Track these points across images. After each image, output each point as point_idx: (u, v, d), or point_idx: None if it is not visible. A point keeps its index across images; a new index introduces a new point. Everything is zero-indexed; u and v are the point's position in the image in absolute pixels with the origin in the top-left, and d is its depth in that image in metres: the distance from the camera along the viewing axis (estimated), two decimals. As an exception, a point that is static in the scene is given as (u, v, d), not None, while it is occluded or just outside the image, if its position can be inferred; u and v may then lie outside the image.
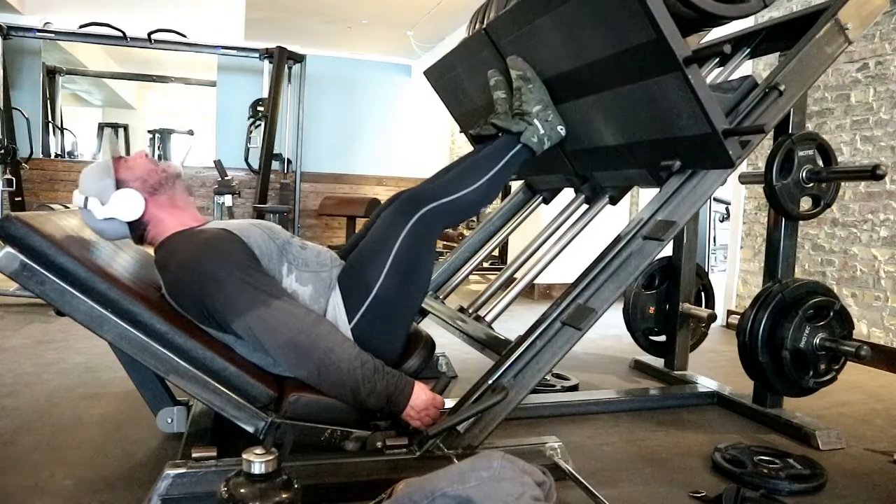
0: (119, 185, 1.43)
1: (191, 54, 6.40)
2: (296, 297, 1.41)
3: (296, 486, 1.00)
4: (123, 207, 1.42)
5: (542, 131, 1.66)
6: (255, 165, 6.14)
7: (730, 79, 1.78)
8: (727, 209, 5.64)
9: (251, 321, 1.29)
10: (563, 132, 1.70)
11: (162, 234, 1.47)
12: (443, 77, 2.23)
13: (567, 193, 2.18)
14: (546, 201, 2.26)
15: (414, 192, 1.55)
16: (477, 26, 1.97)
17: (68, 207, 1.84)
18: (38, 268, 1.22)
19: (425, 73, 2.29)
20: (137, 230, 1.48)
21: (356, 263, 1.48)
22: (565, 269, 2.76)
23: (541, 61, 1.67)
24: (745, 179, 2.23)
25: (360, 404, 1.34)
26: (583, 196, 2.02)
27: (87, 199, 1.41)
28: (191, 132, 8.05)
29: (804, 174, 1.86)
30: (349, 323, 1.43)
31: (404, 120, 7.59)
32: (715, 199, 5.21)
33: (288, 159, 6.67)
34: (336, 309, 1.44)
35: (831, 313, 1.76)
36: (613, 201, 1.92)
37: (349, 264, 1.50)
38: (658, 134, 1.53)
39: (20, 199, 5.28)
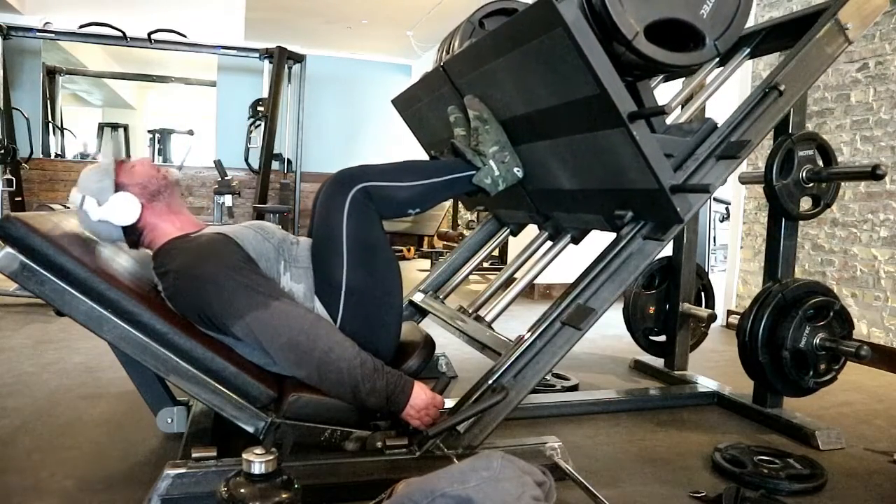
0: (118, 188, 1.43)
1: (191, 54, 6.40)
2: (291, 296, 1.41)
3: (296, 486, 1.00)
4: (119, 211, 1.41)
5: (496, 172, 1.64)
6: (255, 165, 6.14)
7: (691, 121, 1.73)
8: (727, 209, 5.64)
9: (250, 323, 1.29)
10: (519, 174, 1.68)
11: (159, 239, 1.46)
12: (408, 107, 2.22)
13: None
14: (514, 234, 2.25)
15: (349, 170, 1.51)
16: (444, 56, 1.94)
17: (68, 208, 1.83)
18: (38, 268, 1.22)
19: (392, 101, 2.27)
20: (132, 235, 1.48)
21: (317, 266, 1.47)
22: (565, 269, 2.76)
23: (496, 103, 1.65)
24: (745, 179, 2.23)
25: (359, 404, 1.34)
26: (546, 233, 2.00)
27: (84, 197, 1.41)
28: (191, 132, 8.06)
29: (804, 174, 1.86)
30: (335, 324, 1.43)
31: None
32: (715, 199, 5.21)
33: (288, 159, 6.67)
34: (320, 314, 1.44)
35: (831, 313, 1.76)
36: (575, 241, 1.88)
37: (312, 268, 1.48)
38: (609, 184, 1.52)
39: (20, 199, 5.29)
